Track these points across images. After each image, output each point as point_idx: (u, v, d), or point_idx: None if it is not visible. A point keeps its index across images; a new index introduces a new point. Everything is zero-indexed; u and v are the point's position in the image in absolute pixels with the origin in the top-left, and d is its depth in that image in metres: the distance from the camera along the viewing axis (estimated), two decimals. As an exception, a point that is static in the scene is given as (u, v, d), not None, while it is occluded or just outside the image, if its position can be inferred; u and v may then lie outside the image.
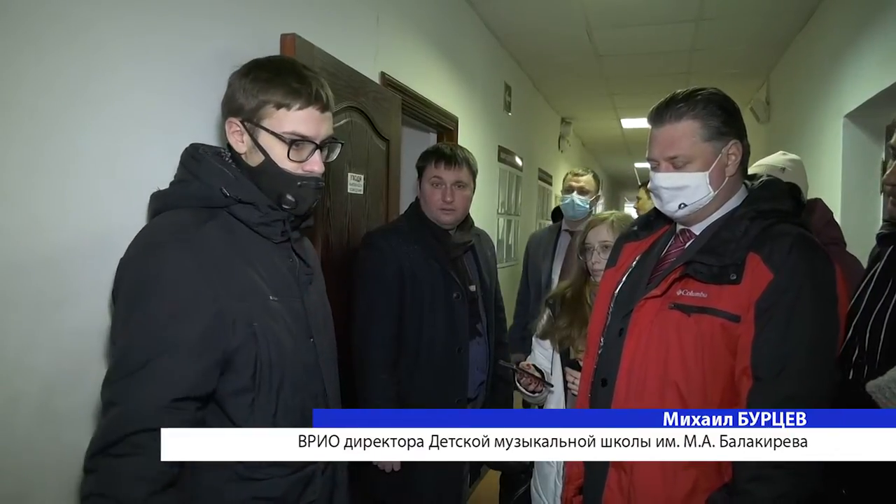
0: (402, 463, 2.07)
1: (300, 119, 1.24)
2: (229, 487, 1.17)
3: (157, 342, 1.08)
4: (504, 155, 4.91)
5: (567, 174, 3.38)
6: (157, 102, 1.54)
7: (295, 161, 1.25)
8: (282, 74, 1.23)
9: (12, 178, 1.22)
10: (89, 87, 1.37)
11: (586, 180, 3.27)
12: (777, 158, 2.15)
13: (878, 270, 1.50)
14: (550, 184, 7.00)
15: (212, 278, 1.14)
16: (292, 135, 1.23)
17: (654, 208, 1.54)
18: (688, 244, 1.45)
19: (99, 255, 1.39)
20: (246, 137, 1.25)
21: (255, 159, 1.26)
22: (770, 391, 1.26)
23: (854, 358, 1.43)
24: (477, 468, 2.47)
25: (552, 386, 1.99)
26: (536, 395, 2.00)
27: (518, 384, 2.00)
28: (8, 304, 1.22)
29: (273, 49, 1.91)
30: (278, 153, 1.24)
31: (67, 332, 1.34)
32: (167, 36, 1.56)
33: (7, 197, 1.22)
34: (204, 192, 1.22)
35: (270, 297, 1.23)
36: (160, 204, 1.24)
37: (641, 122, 7.23)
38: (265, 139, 1.24)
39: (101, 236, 1.40)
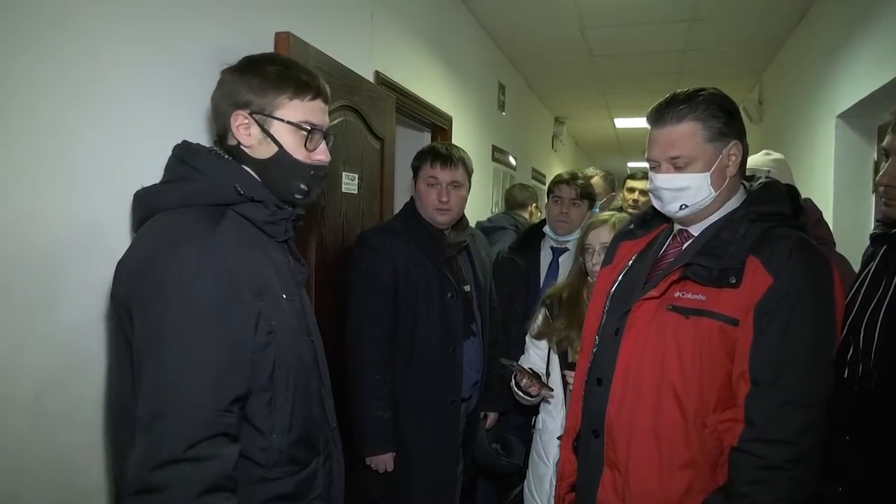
0: (396, 463, 2.07)
1: (312, 109, 1.27)
2: (249, 490, 1.17)
3: (207, 345, 1.07)
4: (498, 154, 4.91)
5: None
6: (151, 102, 1.54)
7: (309, 150, 1.27)
8: (290, 68, 1.26)
9: (6, 176, 1.21)
10: (86, 88, 1.36)
11: (595, 182, 3.17)
12: (760, 159, 2.14)
13: (872, 270, 1.51)
14: (544, 183, 7.00)
15: (238, 277, 1.13)
16: (307, 124, 1.26)
17: (651, 207, 1.54)
18: (685, 245, 1.44)
19: (91, 253, 1.39)
20: (254, 129, 1.24)
21: (265, 151, 1.25)
22: (768, 395, 1.26)
23: (849, 357, 1.43)
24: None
25: (552, 390, 1.97)
26: (533, 398, 1.99)
27: (517, 385, 1.99)
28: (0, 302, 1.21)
29: (267, 48, 1.90)
30: (291, 143, 1.25)
31: (59, 331, 1.33)
32: (162, 37, 1.56)
33: (1, 194, 1.21)
34: (213, 190, 1.19)
35: (283, 296, 1.24)
36: (159, 202, 1.19)
37: (635, 122, 7.31)
38: (279, 129, 1.24)
39: (93, 235, 1.39)
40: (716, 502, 1.30)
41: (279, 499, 1.21)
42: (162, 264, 1.08)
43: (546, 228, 2.72)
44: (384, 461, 2.06)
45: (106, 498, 1.45)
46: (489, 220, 3.57)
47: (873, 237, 1.57)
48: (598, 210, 3.12)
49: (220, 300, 1.09)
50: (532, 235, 2.79)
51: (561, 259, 2.66)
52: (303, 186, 1.28)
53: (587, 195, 2.65)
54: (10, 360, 1.24)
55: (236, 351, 1.11)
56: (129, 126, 1.47)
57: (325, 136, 1.31)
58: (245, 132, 1.24)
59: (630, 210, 3.67)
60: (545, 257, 2.70)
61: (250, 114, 1.23)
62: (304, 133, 1.26)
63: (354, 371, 2.07)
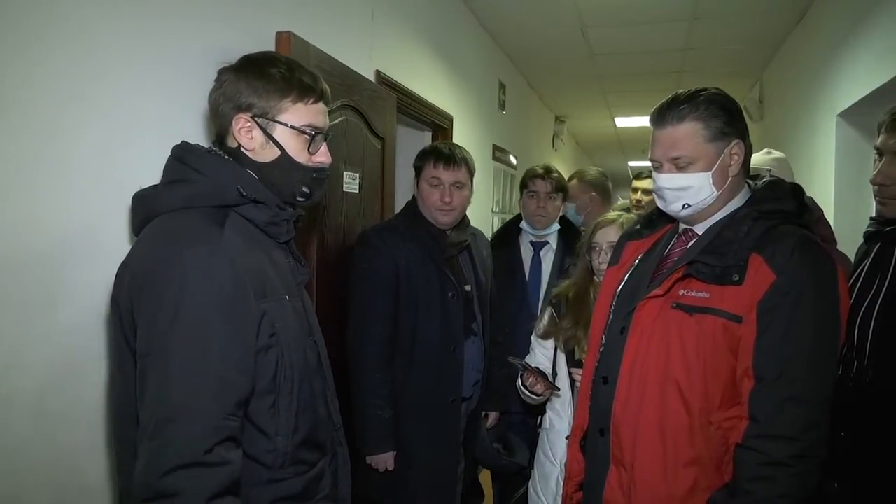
0: (397, 462, 2.07)
1: (315, 112, 1.26)
2: (258, 491, 1.16)
3: (212, 350, 1.06)
4: (499, 153, 4.91)
5: None
6: (151, 103, 1.53)
7: (312, 153, 1.27)
8: (294, 71, 1.24)
9: (5, 177, 1.21)
10: (86, 88, 1.36)
11: (571, 185, 2.98)
12: (761, 158, 2.14)
13: (866, 267, 1.52)
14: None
15: (243, 280, 1.12)
16: (310, 127, 1.25)
17: (657, 207, 1.54)
18: (690, 244, 1.44)
19: (90, 254, 1.38)
20: (256, 133, 1.23)
21: (267, 155, 1.24)
22: (771, 392, 1.26)
23: (843, 353, 1.44)
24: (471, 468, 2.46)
25: (559, 389, 1.97)
26: (539, 397, 1.98)
27: (524, 384, 1.98)
28: (0, 304, 1.21)
29: (269, 48, 1.90)
30: (293, 147, 1.24)
31: (59, 332, 1.33)
32: (163, 37, 1.56)
33: (0, 195, 1.21)
34: (215, 192, 1.18)
35: (286, 297, 1.23)
36: (160, 204, 1.18)
37: (635, 121, 7.31)
38: (282, 133, 1.23)
39: (92, 236, 1.39)
40: (720, 499, 1.30)
41: (288, 499, 1.20)
42: (166, 269, 1.07)
43: (523, 224, 2.73)
44: (385, 460, 2.06)
45: (107, 498, 1.45)
46: None
47: (867, 235, 1.57)
48: (573, 213, 2.96)
49: (226, 305, 1.08)
50: (510, 232, 2.80)
51: (542, 253, 2.69)
52: (304, 189, 1.28)
53: (562, 188, 2.70)
54: (11, 361, 1.24)
55: (241, 355, 1.10)
56: (129, 126, 1.47)
57: (325, 136, 1.30)
58: (247, 135, 1.23)
59: (634, 210, 3.63)
60: (526, 252, 2.73)
61: (252, 117, 1.22)
62: (308, 137, 1.25)
63: (355, 370, 2.07)
